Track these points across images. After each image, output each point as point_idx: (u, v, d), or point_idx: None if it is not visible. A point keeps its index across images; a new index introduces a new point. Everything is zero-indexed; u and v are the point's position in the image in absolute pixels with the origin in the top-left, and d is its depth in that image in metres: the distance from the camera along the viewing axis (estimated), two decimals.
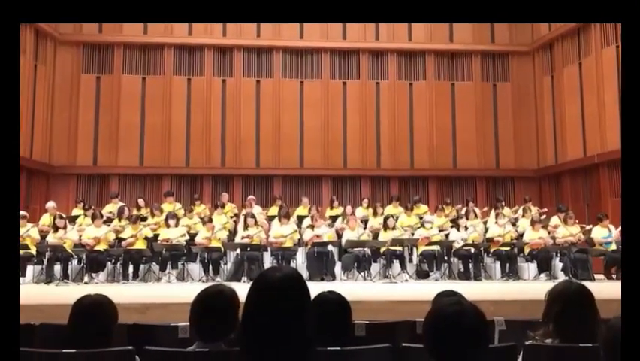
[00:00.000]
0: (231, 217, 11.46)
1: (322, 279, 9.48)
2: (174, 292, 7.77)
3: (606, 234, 10.07)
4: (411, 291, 7.82)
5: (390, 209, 11.84)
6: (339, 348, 2.50)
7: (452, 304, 1.76)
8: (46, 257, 9.33)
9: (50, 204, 11.10)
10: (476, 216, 11.22)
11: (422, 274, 10.00)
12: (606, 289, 7.18)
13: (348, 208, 11.60)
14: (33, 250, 9.56)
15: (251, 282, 1.67)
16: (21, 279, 8.79)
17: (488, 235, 10.47)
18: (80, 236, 9.86)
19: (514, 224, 11.10)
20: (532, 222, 10.38)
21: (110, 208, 11.64)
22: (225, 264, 10.10)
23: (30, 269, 9.54)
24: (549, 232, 10.46)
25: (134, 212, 11.11)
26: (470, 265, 9.94)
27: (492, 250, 10.30)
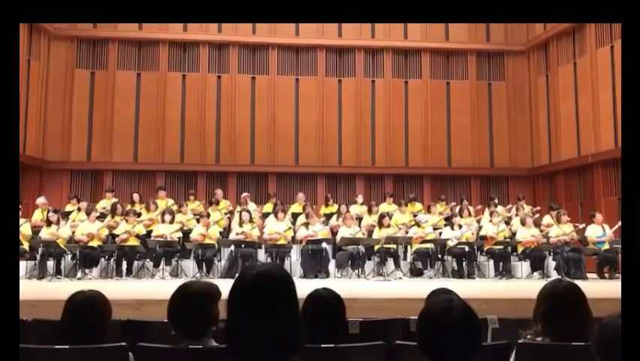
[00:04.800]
0: (225, 214, 11.45)
1: (316, 276, 9.49)
2: (168, 288, 7.70)
3: (600, 233, 10.12)
4: (404, 289, 7.84)
5: (384, 206, 11.86)
6: (332, 345, 2.50)
7: (441, 302, 1.78)
8: (39, 253, 9.30)
9: (41, 200, 11.02)
10: (470, 214, 11.26)
11: (416, 272, 10.03)
12: (599, 288, 7.25)
13: (343, 207, 11.60)
14: (26, 246, 9.52)
15: None
16: None
17: (482, 233, 10.50)
18: (73, 232, 9.83)
19: (507, 223, 11.15)
20: (522, 221, 10.43)
21: (104, 204, 11.61)
22: (219, 261, 10.10)
23: (23, 265, 9.49)
24: (542, 231, 10.51)
25: (129, 207, 11.08)
26: (464, 264, 9.97)
27: (485, 249, 10.34)
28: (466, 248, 10.02)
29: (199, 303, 2.43)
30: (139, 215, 10.71)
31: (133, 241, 9.82)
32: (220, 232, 10.53)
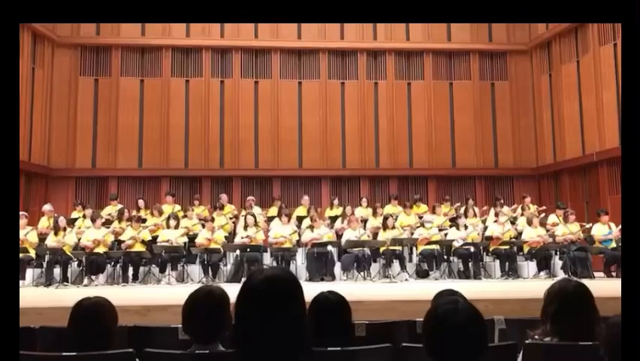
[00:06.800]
0: (230, 218, 11.46)
1: (322, 279, 9.48)
2: (174, 293, 7.74)
3: (606, 231, 10.08)
4: (411, 290, 7.82)
5: (389, 208, 11.85)
6: (339, 348, 2.50)
7: (446, 304, 1.77)
8: (46, 260, 9.33)
9: (47, 207, 11.07)
10: (475, 215, 11.23)
11: (422, 274, 10.01)
12: (606, 287, 7.19)
13: (348, 209, 11.59)
14: (32, 253, 9.55)
15: None
16: (20, 282, 8.77)
17: (488, 233, 10.47)
18: (79, 239, 9.85)
19: (513, 223, 11.11)
20: (529, 220, 10.40)
21: (109, 211, 11.63)
22: (225, 265, 10.10)
23: (29, 272, 9.53)
24: (548, 230, 10.47)
25: (134, 213, 11.10)
26: (470, 264, 9.94)
27: (491, 249, 10.31)
28: (472, 249, 10.01)
29: (219, 307, 2.43)
30: (144, 221, 10.73)
31: (139, 247, 9.84)
32: (225, 237, 10.54)
